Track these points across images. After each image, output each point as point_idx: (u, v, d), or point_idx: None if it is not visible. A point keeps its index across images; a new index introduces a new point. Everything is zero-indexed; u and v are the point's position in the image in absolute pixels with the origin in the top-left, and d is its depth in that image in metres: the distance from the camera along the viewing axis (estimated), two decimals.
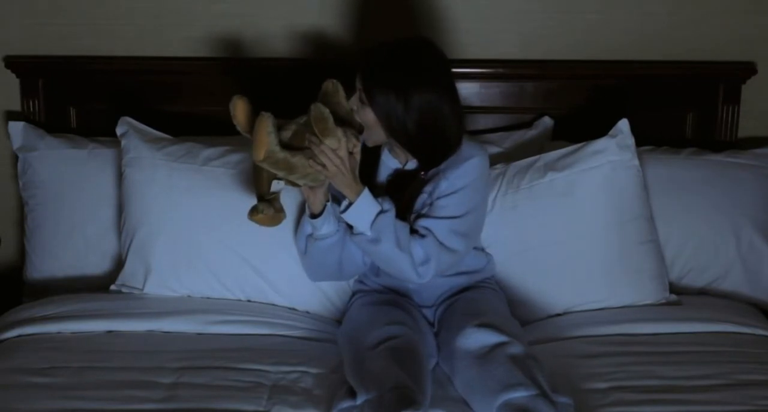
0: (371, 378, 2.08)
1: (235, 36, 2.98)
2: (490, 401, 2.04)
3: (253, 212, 2.32)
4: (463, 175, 2.36)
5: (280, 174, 2.26)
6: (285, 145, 2.21)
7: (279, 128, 2.23)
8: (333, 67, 2.94)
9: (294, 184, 2.32)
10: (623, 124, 2.61)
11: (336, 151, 2.21)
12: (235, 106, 2.25)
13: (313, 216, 2.36)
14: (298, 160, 2.22)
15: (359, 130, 2.33)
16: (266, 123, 2.16)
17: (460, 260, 2.44)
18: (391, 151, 2.46)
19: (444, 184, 2.37)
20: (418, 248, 2.32)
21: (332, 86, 2.35)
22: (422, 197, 2.40)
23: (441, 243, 2.34)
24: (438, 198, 2.37)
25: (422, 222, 2.36)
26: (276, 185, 2.32)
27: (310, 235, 2.40)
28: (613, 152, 2.59)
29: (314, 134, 2.21)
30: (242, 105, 2.26)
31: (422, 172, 2.36)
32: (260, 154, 2.17)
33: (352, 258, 2.45)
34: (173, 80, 2.98)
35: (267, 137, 2.16)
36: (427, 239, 2.33)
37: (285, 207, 2.38)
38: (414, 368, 2.12)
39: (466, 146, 2.40)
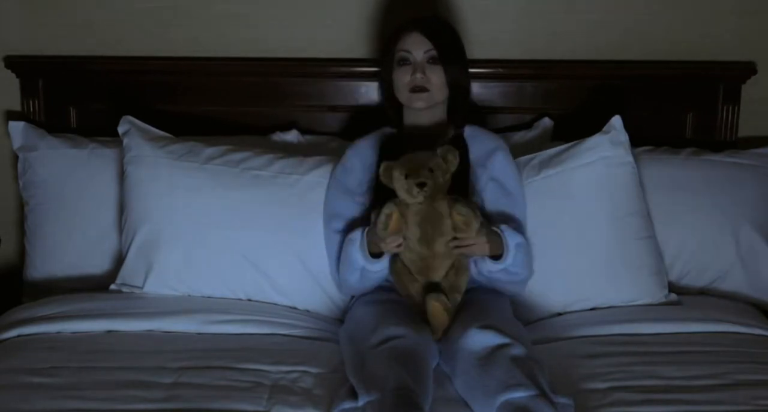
0: (373, 379, 2.08)
1: (236, 36, 2.98)
2: (490, 402, 2.04)
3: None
4: (502, 168, 2.54)
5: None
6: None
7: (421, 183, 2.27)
8: (332, 66, 2.97)
9: None
10: (616, 121, 2.61)
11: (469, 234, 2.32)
12: (391, 217, 2.27)
13: (375, 255, 2.39)
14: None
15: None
16: (441, 306, 2.30)
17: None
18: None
19: (496, 165, 2.54)
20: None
21: (452, 156, 2.34)
22: (478, 177, 2.51)
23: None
24: (493, 180, 2.51)
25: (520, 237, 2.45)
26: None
27: (363, 268, 2.42)
28: (606, 149, 2.59)
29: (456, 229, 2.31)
30: (397, 216, 2.28)
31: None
32: (439, 335, 2.33)
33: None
34: (173, 80, 2.98)
35: (444, 315, 2.30)
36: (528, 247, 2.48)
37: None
38: (416, 369, 2.12)
39: (485, 131, 2.64)
